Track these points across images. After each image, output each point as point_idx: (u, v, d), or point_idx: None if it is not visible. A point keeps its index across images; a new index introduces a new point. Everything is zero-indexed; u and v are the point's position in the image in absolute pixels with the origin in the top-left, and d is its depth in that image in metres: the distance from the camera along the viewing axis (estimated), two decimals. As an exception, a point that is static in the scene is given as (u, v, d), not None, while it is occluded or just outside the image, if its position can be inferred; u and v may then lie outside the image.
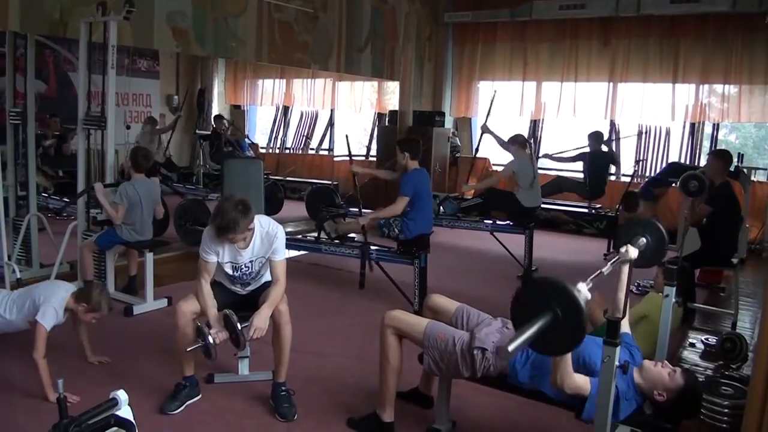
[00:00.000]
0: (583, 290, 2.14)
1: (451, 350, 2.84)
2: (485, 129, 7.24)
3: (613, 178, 8.59)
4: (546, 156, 8.56)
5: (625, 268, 2.75)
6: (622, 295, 2.71)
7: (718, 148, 8.64)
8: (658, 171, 8.66)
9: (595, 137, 8.07)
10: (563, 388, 2.46)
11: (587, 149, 8.14)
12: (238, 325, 3.09)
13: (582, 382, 2.47)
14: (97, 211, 4.97)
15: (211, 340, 3.07)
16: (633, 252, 2.76)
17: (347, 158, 6.40)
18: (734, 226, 5.17)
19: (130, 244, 4.95)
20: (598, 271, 2.32)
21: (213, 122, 10.92)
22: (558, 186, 8.31)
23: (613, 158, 8.36)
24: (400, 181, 5.26)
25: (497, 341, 2.79)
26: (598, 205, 8.76)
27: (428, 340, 2.90)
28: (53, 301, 3.30)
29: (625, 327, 2.81)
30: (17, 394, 3.31)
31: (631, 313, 3.74)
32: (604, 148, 8.26)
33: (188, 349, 3.15)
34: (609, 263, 2.52)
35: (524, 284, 2.23)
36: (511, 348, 1.85)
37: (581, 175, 8.36)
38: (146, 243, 4.95)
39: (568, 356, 2.42)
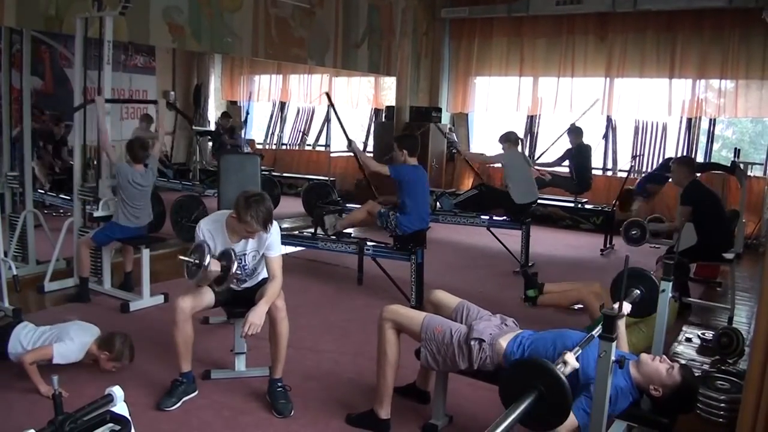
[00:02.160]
0: (570, 361, 2.15)
1: (448, 342, 2.84)
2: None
3: (598, 172, 8.63)
4: (535, 164, 8.56)
5: (621, 323, 2.79)
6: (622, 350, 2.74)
7: (710, 145, 8.83)
8: (654, 167, 8.67)
9: (575, 132, 8.05)
10: None
11: (569, 146, 8.13)
12: (234, 267, 3.18)
13: (568, 426, 2.38)
14: (94, 208, 4.96)
15: (207, 262, 3.12)
16: (626, 308, 2.80)
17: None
18: (720, 218, 5.25)
19: (127, 239, 4.95)
20: (588, 335, 2.33)
21: (219, 119, 10.85)
22: (544, 181, 8.30)
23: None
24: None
25: (495, 334, 2.80)
26: (585, 200, 8.78)
27: (426, 332, 2.91)
28: (77, 342, 3.41)
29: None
30: (14, 390, 3.30)
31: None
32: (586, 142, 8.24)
33: (180, 257, 3.21)
34: (595, 330, 2.52)
35: (510, 366, 2.25)
36: None
37: (566, 171, 8.36)
38: (143, 239, 4.95)
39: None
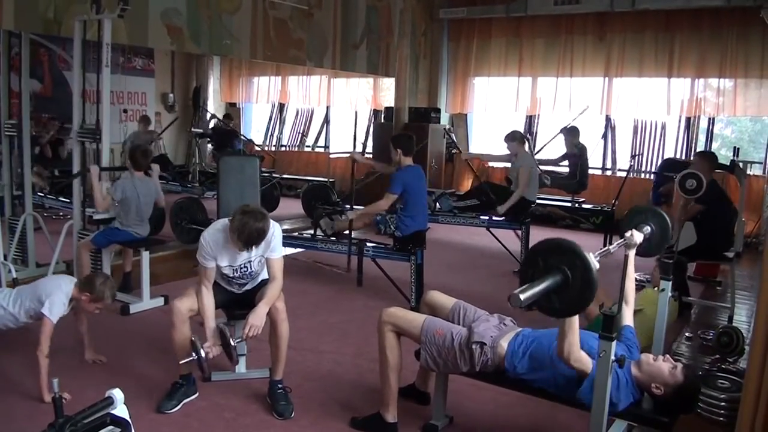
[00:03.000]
0: (591, 260, 2.13)
1: (449, 345, 2.84)
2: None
3: (597, 172, 8.66)
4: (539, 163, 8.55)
5: (632, 254, 2.77)
6: (628, 282, 2.75)
7: (709, 143, 8.82)
8: (653, 169, 8.68)
9: (571, 132, 8.04)
10: (569, 359, 2.43)
11: (565, 146, 8.12)
12: (232, 341, 3.12)
13: (586, 359, 2.46)
14: (93, 210, 4.96)
15: (203, 354, 3.09)
16: (638, 236, 2.78)
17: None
18: (728, 220, 5.23)
19: (127, 242, 4.95)
20: (605, 248, 2.32)
21: (221, 120, 10.83)
22: (544, 182, 8.29)
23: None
24: (390, 178, 5.28)
25: (495, 336, 2.80)
26: (582, 199, 8.77)
27: (426, 335, 2.90)
28: (58, 294, 3.31)
29: (627, 320, 2.82)
30: (15, 394, 3.30)
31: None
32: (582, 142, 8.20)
33: (181, 362, 3.18)
34: (615, 243, 2.53)
35: (535, 245, 2.19)
36: (523, 296, 1.84)
37: (565, 170, 8.35)
38: (142, 241, 4.95)
39: (577, 326, 2.39)
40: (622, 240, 2.75)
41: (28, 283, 4.59)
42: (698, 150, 8.35)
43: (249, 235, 3.05)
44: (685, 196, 5.06)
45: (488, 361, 2.75)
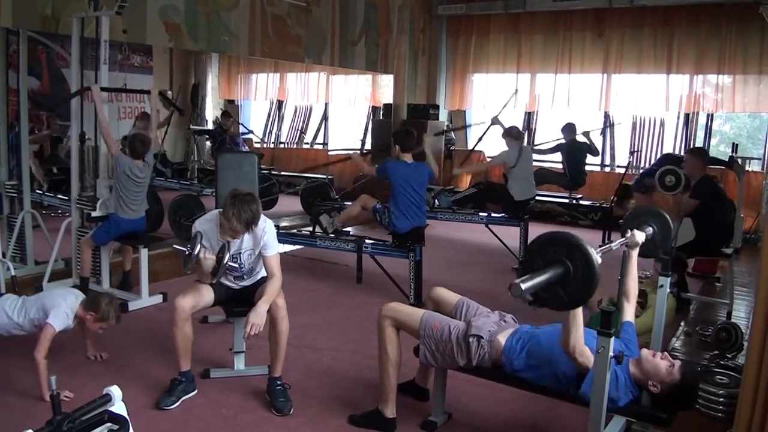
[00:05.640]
0: (592, 252, 2.13)
1: (446, 339, 2.84)
2: (495, 120, 7.21)
3: (596, 168, 8.75)
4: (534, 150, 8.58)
5: (634, 254, 2.77)
6: (630, 281, 2.76)
7: (708, 140, 8.85)
8: (651, 162, 8.67)
9: (569, 128, 8.05)
10: (574, 353, 2.44)
11: (564, 141, 8.15)
12: (227, 255, 3.20)
13: (589, 354, 2.45)
14: (91, 208, 4.96)
15: (197, 250, 3.17)
16: (639, 236, 2.79)
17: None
18: (724, 215, 5.25)
19: (125, 237, 4.95)
20: (608, 245, 2.33)
21: (219, 118, 10.82)
22: (539, 178, 8.29)
23: (590, 148, 8.27)
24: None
25: (494, 331, 2.80)
26: (579, 195, 8.78)
27: (425, 329, 2.91)
28: (64, 306, 3.34)
29: (628, 316, 2.83)
30: (14, 393, 3.30)
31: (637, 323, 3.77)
32: (581, 138, 8.20)
33: (174, 246, 3.31)
34: (617, 241, 2.53)
35: (538, 238, 2.18)
36: (524, 286, 1.84)
37: (560, 166, 8.36)
38: (141, 239, 4.95)
39: (581, 320, 2.41)
40: (624, 239, 2.75)
41: (29, 286, 4.64)
42: (695, 146, 8.37)
43: (247, 219, 3.12)
44: (664, 192, 5.09)
45: (485, 355, 2.75)
